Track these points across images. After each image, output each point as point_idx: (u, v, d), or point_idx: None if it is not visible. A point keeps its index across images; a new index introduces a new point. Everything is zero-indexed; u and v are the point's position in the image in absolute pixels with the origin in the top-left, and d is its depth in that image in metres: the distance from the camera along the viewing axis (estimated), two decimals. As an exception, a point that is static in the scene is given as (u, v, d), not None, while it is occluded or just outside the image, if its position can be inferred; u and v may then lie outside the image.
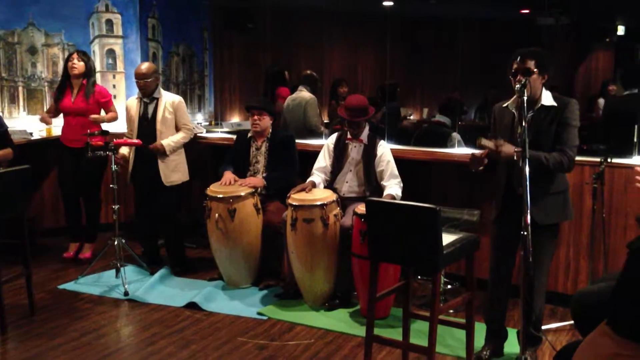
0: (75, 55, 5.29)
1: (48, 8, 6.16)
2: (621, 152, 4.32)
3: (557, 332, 4.03)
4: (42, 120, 5.53)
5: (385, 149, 4.56)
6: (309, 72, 6.59)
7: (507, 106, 3.49)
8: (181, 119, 5.14)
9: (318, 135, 6.00)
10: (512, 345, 3.71)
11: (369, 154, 4.57)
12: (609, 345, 1.80)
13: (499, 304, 3.65)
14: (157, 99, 5.09)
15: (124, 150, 5.06)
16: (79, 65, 5.25)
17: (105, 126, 5.36)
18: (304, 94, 6.36)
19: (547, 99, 3.39)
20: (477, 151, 3.43)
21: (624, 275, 1.84)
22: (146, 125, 5.06)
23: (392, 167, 4.51)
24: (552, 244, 3.52)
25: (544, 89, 3.39)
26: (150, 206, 5.19)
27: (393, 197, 4.33)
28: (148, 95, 5.07)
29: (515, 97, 3.42)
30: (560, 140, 3.34)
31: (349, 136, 4.67)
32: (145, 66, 5.08)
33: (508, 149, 3.26)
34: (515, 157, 3.22)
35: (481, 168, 3.41)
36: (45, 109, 5.87)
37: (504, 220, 3.53)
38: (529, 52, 3.33)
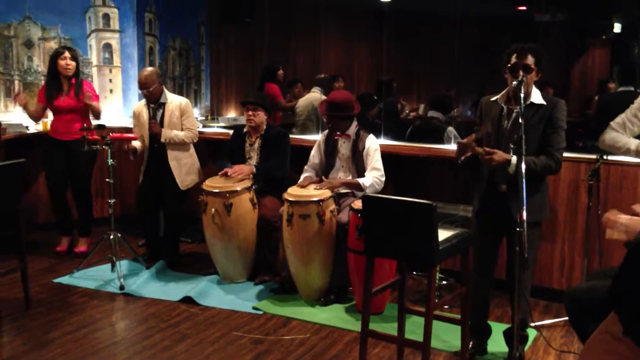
0: (68, 55, 5.15)
1: (44, 2, 6.13)
2: None
3: (551, 328, 4.04)
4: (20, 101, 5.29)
5: (371, 142, 4.55)
6: (323, 75, 7.32)
7: (495, 100, 3.48)
8: (186, 122, 5.10)
9: None
10: (497, 344, 3.71)
11: (357, 148, 4.58)
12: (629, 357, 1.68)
13: (481, 300, 3.61)
14: (164, 103, 5.08)
15: (136, 144, 5.03)
16: (72, 64, 5.17)
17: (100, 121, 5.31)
18: (315, 94, 6.99)
19: (536, 96, 3.39)
20: (463, 140, 3.40)
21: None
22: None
23: (375, 160, 4.50)
24: (536, 241, 3.46)
25: (534, 86, 3.40)
26: (156, 204, 5.19)
27: (358, 185, 4.42)
28: (155, 101, 5.07)
29: (504, 91, 3.42)
30: (548, 143, 3.33)
31: (337, 132, 4.67)
32: (145, 73, 5.01)
33: (500, 156, 3.26)
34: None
35: (463, 158, 3.34)
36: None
37: (484, 216, 3.53)
38: (529, 47, 3.31)
